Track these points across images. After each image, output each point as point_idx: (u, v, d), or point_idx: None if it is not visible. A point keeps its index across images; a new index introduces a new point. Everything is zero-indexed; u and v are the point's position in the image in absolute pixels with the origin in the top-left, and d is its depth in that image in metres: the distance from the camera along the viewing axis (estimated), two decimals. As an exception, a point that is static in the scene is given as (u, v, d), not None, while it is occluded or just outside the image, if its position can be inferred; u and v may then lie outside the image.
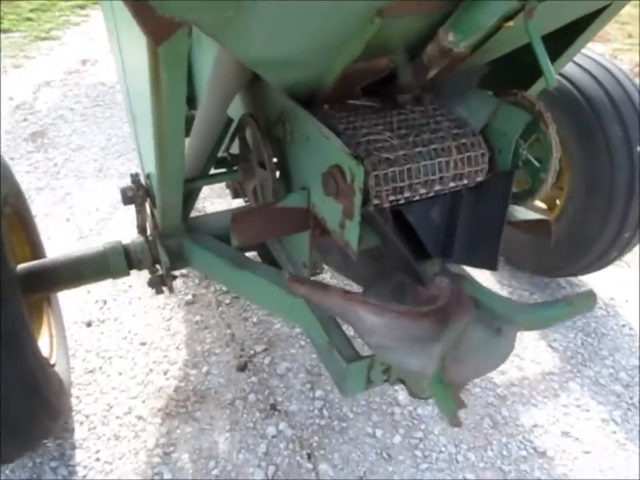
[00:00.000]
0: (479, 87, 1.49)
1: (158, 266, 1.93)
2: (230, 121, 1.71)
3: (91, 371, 2.33)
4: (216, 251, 1.80)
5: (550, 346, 2.56)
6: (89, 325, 2.54)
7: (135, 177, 1.80)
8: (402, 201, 1.34)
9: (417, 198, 1.37)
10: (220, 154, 1.96)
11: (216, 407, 2.17)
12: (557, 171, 1.42)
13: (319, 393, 2.23)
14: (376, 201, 1.29)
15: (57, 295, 2.28)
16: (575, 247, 2.51)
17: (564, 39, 1.54)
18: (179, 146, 1.37)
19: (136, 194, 1.79)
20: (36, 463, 1.99)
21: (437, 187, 1.36)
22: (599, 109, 2.29)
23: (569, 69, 2.37)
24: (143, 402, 2.20)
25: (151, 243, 1.89)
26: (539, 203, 2.73)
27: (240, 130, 1.74)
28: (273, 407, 2.17)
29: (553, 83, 1.16)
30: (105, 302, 2.66)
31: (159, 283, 1.92)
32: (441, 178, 1.35)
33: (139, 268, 1.95)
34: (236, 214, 1.37)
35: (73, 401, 2.21)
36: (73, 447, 2.06)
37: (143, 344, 2.44)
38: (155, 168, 1.46)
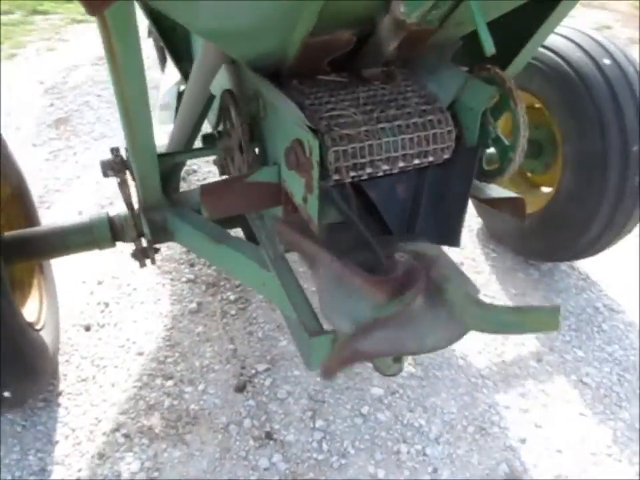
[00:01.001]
0: (456, 63, 1.49)
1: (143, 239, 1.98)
2: (212, 97, 1.76)
3: (83, 380, 2.22)
4: (197, 225, 1.82)
5: (581, 381, 2.32)
6: (87, 329, 2.43)
7: (115, 151, 1.81)
8: (365, 177, 1.35)
9: (381, 174, 1.37)
10: (212, 131, 2.00)
11: (208, 431, 2.03)
12: (525, 150, 1.42)
13: (319, 423, 2.05)
14: (336, 176, 1.31)
15: (49, 263, 2.35)
16: (568, 228, 2.46)
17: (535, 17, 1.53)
18: (145, 118, 1.42)
19: (114, 166, 1.79)
20: (15, 477, 1.89)
21: (401, 164, 1.37)
22: (591, 84, 2.22)
23: (560, 44, 2.34)
24: (132, 419, 2.06)
25: (136, 216, 1.92)
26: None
27: (222, 106, 1.70)
28: (269, 436, 2.00)
29: (492, 52, 1.13)
30: (107, 305, 2.55)
31: (142, 255, 1.98)
32: (404, 155, 1.36)
33: (124, 240, 2.00)
34: (205, 186, 1.38)
35: (61, 412, 2.10)
36: (55, 463, 1.94)
37: (140, 354, 2.31)
38: (126, 140, 1.53)
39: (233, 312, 2.50)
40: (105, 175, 1.82)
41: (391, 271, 1.24)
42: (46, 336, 2.03)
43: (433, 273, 1.28)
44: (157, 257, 2.74)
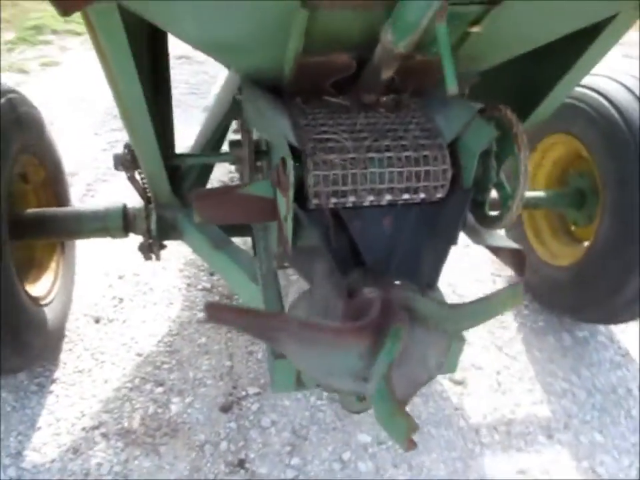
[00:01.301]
0: (475, 100, 1.43)
1: None
2: (235, 103, 1.75)
3: (80, 371, 2.24)
4: (202, 228, 1.88)
5: (593, 470, 2.10)
6: (97, 321, 2.46)
7: (127, 147, 1.83)
8: (349, 205, 1.31)
9: (367, 204, 1.32)
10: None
11: (183, 446, 1.99)
12: (523, 200, 1.34)
13: (296, 460, 1.97)
14: (315, 201, 1.27)
15: (73, 247, 2.46)
16: (603, 284, 2.26)
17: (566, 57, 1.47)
18: (143, 119, 1.44)
19: (124, 162, 1.83)
20: (-8, 457, 1.93)
21: (388, 197, 1.32)
22: (636, 128, 2.06)
23: (604, 84, 2.21)
24: (115, 419, 2.06)
25: (149, 210, 1.99)
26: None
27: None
28: (241, 464, 1.94)
29: (454, 91, 1.08)
30: (121, 300, 2.58)
31: (147, 250, 2.04)
32: (391, 188, 1.30)
33: (135, 232, 2.06)
34: (198, 192, 1.38)
35: (51, 399, 2.13)
36: (32, 449, 1.96)
37: (139, 355, 2.32)
38: (129, 138, 1.59)
39: (239, 328, 2.46)
40: (116, 168, 1.86)
41: (364, 310, 1.16)
42: (49, 313, 2.12)
43: (406, 299, 1.23)
44: (180, 260, 2.76)
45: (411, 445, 1.13)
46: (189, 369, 2.26)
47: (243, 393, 2.18)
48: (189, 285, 2.69)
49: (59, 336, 2.32)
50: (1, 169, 1.75)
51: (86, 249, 2.64)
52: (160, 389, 2.18)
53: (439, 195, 1.35)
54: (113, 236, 2.09)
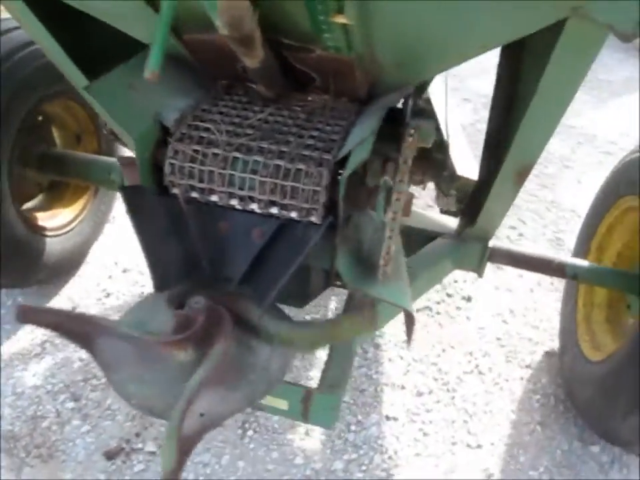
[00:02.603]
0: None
1: None
2: None
3: (21, 355, 2.24)
4: None
5: None
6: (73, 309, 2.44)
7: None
8: (217, 202, 1.22)
9: (240, 208, 1.21)
10: None
11: (45, 476, 1.85)
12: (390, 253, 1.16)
13: None
14: (174, 190, 1.23)
15: (110, 200, 2.71)
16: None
17: None
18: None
19: None
20: None
21: (253, 206, 1.20)
22: None
23: None
24: (13, 417, 2.01)
25: None
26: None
27: None
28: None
29: (149, 75, 1.02)
30: (109, 295, 2.53)
31: None
32: (251, 197, 1.19)
33: None
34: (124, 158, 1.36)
35: None
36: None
37: (81, 360, 2.23)
38: None
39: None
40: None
41: (188, 323, 1.13)
42: (51, 245, 2.32)
43: (240, 308, 1.21)
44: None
45: (168, 475, 1.01)
46: (110, 396, 2.12)
47: (139, 446, 1.97)
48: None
49: (65, 267, 2.52)
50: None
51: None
52: (71, 405, 2.08)
53: (313, 219, 1.17)
54: (110, 188, 2.32)
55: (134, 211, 1.22)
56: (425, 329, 2.51)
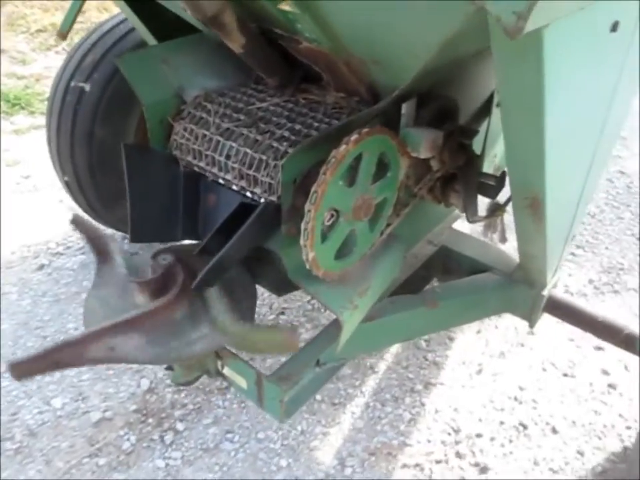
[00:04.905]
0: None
1: None
2: None
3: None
4: None
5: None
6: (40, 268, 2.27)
7: None
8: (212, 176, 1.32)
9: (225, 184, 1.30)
10: None
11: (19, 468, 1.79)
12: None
13: None
14: (183, 163, 1.34)
15: None
16: None
17: None
18: None
19: None
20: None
21: (235, 188, 1.28)
22: None
23: None
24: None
25: None
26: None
27: None
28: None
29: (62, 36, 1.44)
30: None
31: None
32: (226, 165, 1.27)
33: None
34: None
35: None
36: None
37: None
38: None
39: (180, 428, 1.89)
40: None
41: (153, 273, 1.27)
42: None
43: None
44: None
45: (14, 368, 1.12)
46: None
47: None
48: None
49: None
50: None
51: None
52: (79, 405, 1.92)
53: (272, 198, 1.22)
54: None
55: (129, 167, 1.29)
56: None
